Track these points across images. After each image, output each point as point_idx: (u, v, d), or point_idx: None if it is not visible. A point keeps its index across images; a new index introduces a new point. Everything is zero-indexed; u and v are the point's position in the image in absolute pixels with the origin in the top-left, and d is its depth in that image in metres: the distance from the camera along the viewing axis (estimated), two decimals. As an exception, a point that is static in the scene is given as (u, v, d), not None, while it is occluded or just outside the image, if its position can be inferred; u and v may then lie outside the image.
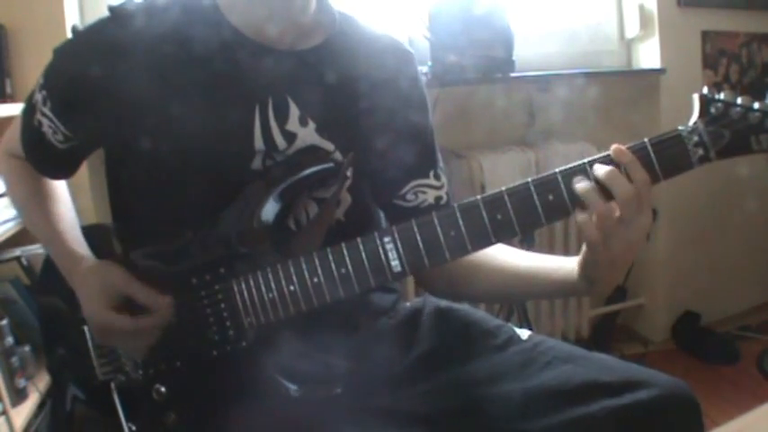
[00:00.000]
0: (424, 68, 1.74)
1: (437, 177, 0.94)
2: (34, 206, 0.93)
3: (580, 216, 0.69)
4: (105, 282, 0.80)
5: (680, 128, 0.68)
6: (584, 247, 0.73)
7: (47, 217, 0.91)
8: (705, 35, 2.27)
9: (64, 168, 0.94)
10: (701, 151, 0.68)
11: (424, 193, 0.92)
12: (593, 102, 2.04)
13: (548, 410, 0.76)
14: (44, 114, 0.85)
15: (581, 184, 0.68)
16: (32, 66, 1.50)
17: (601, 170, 0.68)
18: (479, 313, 0.96)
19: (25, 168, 0.93)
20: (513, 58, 1.85)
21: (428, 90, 0.97)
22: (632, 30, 2.24)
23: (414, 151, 0.91)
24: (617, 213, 0.67)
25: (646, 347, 2.33)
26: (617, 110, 2.17)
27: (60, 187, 0.96)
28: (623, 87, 2.23)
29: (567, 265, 0.79)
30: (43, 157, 0.91)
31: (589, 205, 0.68)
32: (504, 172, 1.93)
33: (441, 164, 0.96)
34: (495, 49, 1.83)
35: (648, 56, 2.24)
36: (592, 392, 0.76)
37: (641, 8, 2.20)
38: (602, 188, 0.68)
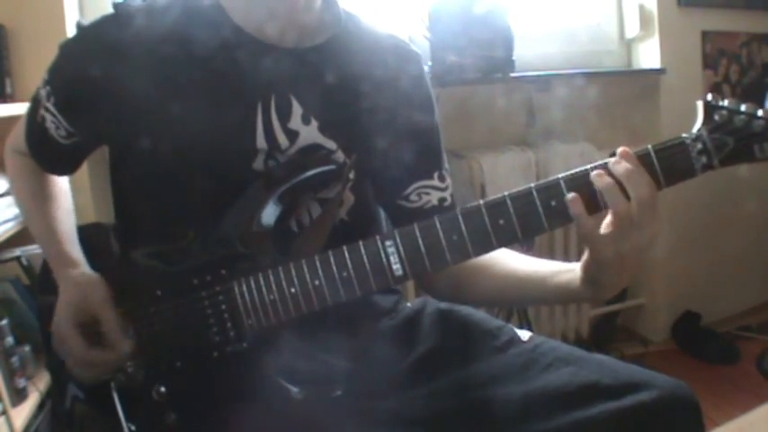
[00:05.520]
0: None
1: (441, 179, 0.93)
2: (34, 206, 0.93)
3: (575, 207, 0.67)
4: (83, 296, 0.81)
5: (683, 135, 0.67)
6: (585, 250, 0.73)
7: (45, 218, 0.91)
8: (705, 35, 2.27)
9: (65, 164, 0.94)
10: (704, 159, 0.67)
11: (427, 194, 0.92)
12: (593, 102, 2.04)
13: (548, 412, 0.76)
14: (47, 110, 0.85)
15: (603, 180, 0.67)
16: (32, 66, 1.51)
17: (621, 168, 0.67)
18: (480, 314, 0.95)
19: (29, 166, 0.93)
20: (513, 58, 1.85)
21: (428, 90, 0.96)
22: (632, 30, 2.24)
23: (417, 152, 0.91)
24: (633, 215, 0.66)
25: (646, 347, 2.33)
26: (617, 110, 2.17)
27: (63, 190, 0.97)
28: (623, 87, 2.23)
29: (570, 269, 0.79)
30: (45, 152, 0.91)
31: (608, 202, 0.67)
32: (504, 172, 1.93)
33: (446, 165, 0.95)
34: (495, 49, 1.83)
35: (648, 56, 2.24)
36: (592, 395, 0.76)
37: (641, 8, 2.20)
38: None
